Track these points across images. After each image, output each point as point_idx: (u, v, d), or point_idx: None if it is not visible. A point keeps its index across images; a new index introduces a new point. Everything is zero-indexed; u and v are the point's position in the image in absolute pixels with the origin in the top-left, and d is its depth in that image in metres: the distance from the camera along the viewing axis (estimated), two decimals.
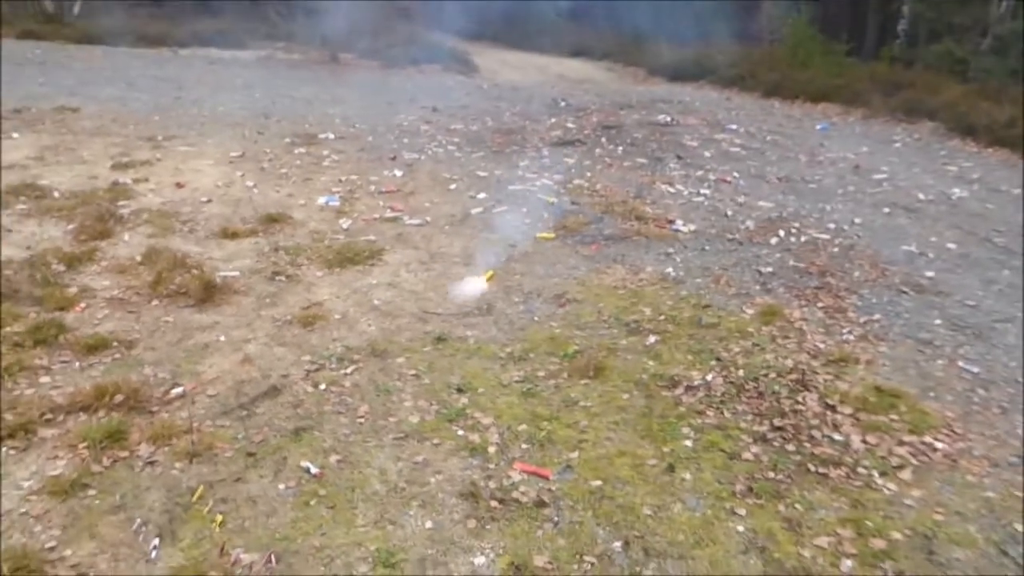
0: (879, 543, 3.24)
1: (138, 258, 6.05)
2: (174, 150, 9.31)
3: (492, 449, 3.84)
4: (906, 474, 3.72)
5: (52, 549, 3.16)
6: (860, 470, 3.74)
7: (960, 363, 4.87)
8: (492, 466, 3.72)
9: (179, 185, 7.94)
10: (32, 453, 3.75)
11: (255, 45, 20.45)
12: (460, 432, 3.98)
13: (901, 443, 3.95)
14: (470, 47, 21.36)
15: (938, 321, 5.48)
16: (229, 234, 6.68)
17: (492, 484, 3.58)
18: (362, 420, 4.08)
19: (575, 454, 3.81)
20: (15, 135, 9.55)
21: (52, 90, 12.49)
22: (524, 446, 3.88)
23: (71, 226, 6.64)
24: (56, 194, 7.43)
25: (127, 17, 21.85)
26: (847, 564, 3.14)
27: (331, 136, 10.44)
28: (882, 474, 3.72)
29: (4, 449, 3.77)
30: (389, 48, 19.50)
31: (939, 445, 3.96)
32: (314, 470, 3.66)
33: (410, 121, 11.68)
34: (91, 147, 9.25)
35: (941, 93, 13.70)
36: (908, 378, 4.66)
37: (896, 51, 17.47)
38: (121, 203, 7.28)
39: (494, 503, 3.45)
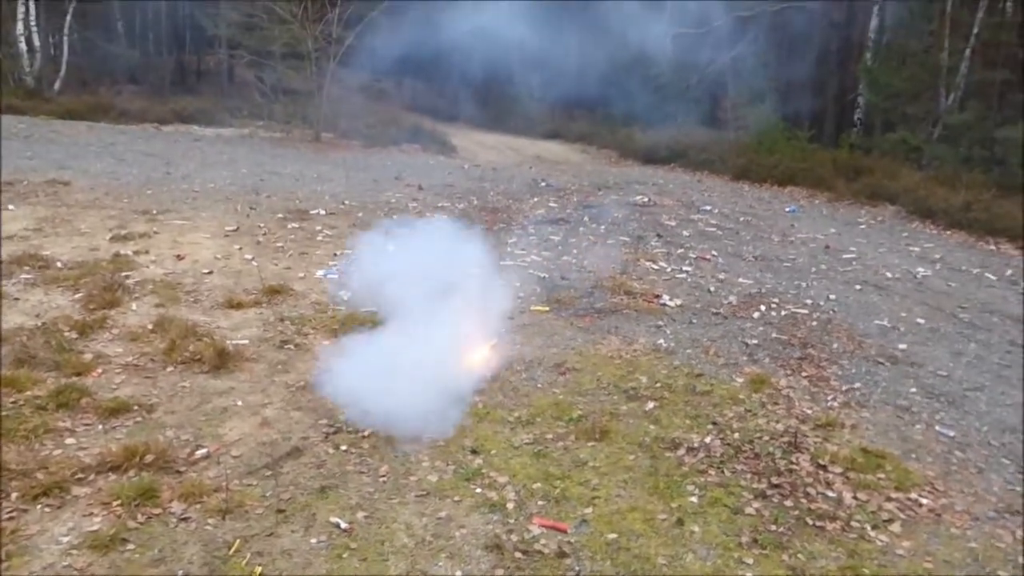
0: None
1: (149, 326, 6.24)
2: (170, 223, 9.54)
3: (510, 505, 4.08)
4: (896, 527, 4.04)
5: None
6: (854, 523, 4.05)
7: (937, 428, 5.25)
8: (512, 521, 3.95)
9: (179, 257, 8.16)
10: (67, 510, 3.90)
11: (236, 123, 20.92)
12: (478, 490, 4.22)
13: (889, 499, 4.28)
14: (447, 128, 22.05)
15: (914, 389, 5.88)
16: (234, 304, 6.90)
17: (514, 537, 3.81)
18: (384, 479, 4.30)
19: (589, 509, 4.07)
20: (11, 207, 9.73)
21: (41, 163, 12.70)
22: (540, 502, 4.13)
23: (78, 295, 6.82)
24: (59, 264, 7.61)
25: (108, 94, 22.28)
26: None
27: (322, 212, 10.76)
28: (874, 527, 4.03)
29: (39, 507, 3.92)
30: (369, 128, 20.08)
31: (924, 501, 4.29)
32: (343, 525, 3.86)
33: (397, 199, 12.07)
34: (87, 219, 9.44)
35: (900, 179, 14.49)
36: (891, 441, 5.01)
37: (854, 138, 18.43)
38: (124, 274, 7.48)
39: (518, 554, 3.67)
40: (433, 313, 5.51)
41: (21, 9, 20.89)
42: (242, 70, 26.68)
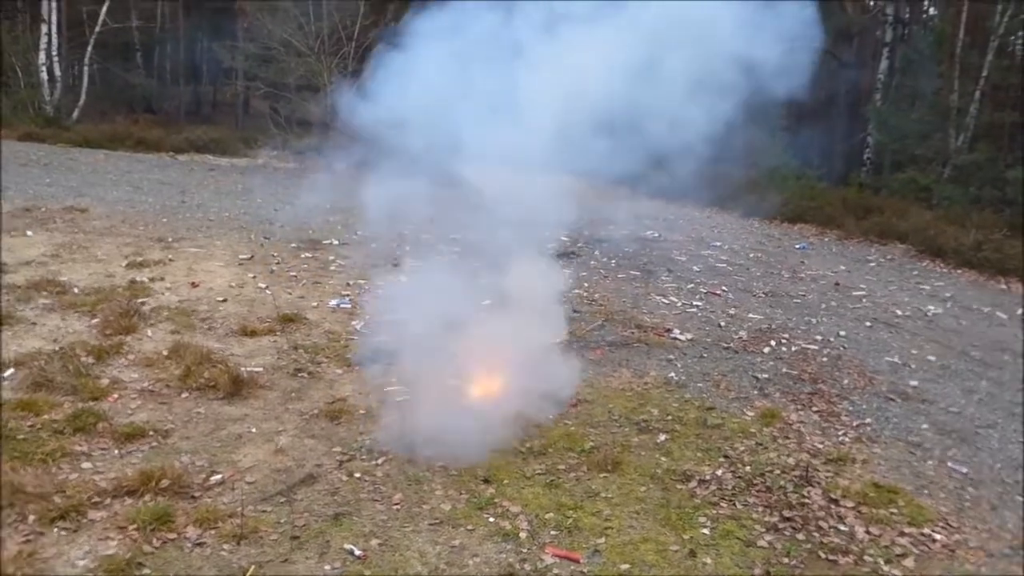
0: None
1: (164, 352, 6.30)
2: (185, 251, 9.63)
3: (523, 535, 4.11)
4: (909, 562, 4.05)
5: None
6: (867, 558, 4.06)
7: (949, 464, 5.27)
8: (525, 550, 3.98)
9: (194, 284, 8.24)
10: (83, 534, 3.94)
11: (251, 153, 21.12)
12: (491, 519, 4.25)
13: (902, 534, 4.30)
14: (457, 161, 22.12)
15: (925, 426, 5.90)
16: (248, 332, 6.96)
17: (527, 566, 3.83)
18: (397, 507, 4.33)
19: (602, 540, 4.09)
20: (29, 233, 9.85)
21: (59, 191, 12.85)
22: (553, 532, 4.15)
23: (94, 321, 6.89)
24: (76, 290, 7.69)
25: (125, 123, 22.55)
26: None
27: (335, 242, 10.85)
28: (887, 562, 4.04)
29: (56, 530, 3.95)
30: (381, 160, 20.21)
31: (937, 536, 4.31)
32: (358, 552, 3.89)
33: (409, 230, 12.14)
34: (104, 246, 9.55)
35: (909, 218, 14.54)
36: (903, 476, 5.03)
37: (863, 178, 18.51)
38: (140, 300, 7.55)
39: None
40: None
41: (44, 40, 21.25)
42: (257, 101, 26.99)
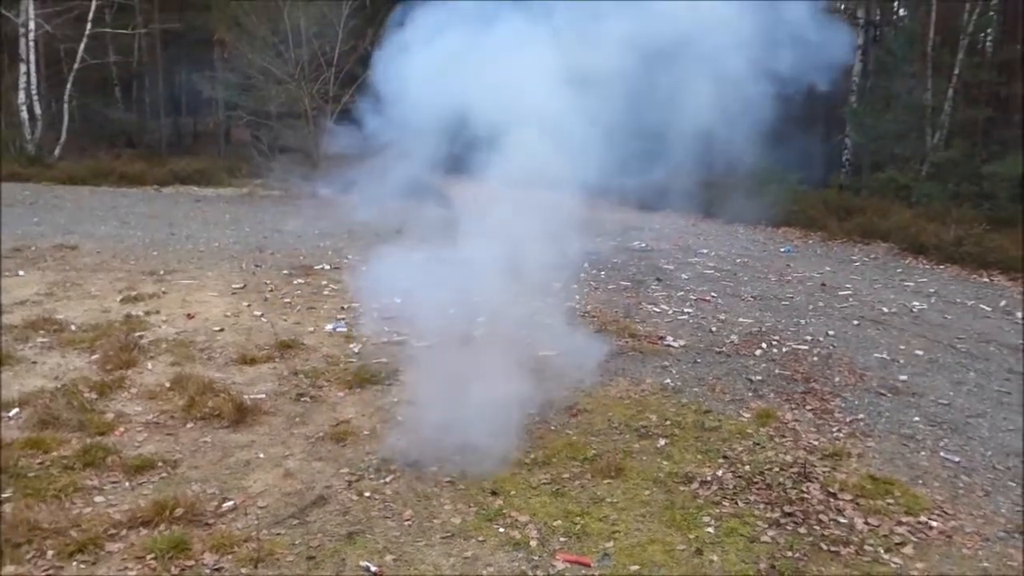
0: None
1: (167, 384, 6.38)
2: (177, 283, 9.70)
3: (534, 543, 4.21)
4: (908, 550, 4.19)
5: None
6: (867, 547, 4.20)
7: (942, 454, 5.43)
8: (536, 558, 4.08)
9: (189, 316, 8.31)
10: (102, 566, 4.01)
11: (235, 183, 21.18)
12: (501, 529, 4.35)
13: (900, 523, 4.45)
14: (442, 180, 22.26)
15: (917, 418, 6.06)
16: (248, 360, 7.03)
17: (540, 573, 3.94)
18: (408, 523, 4.42)
19: (610, 543, 4.20)
20: (21, 272, 9.89)
21: (47, 229, 12.90)
22: (562, 539, 4.26)
23: (94, 356, 6.95)
24: (73, 327, 7.75)
25: (108, 158, 22.57)
26: None
27: (327, 267, 10.94)
28: (887, 550, 4.18)
29: (75, 563, 4.02)
30: (367, 183, 20.29)
31: (934, 524, 4.46)
32: (374, 568, 3.98)
33: (401, 249, 12.23)
34: (96, 282, 9.60)
35: (890, 217, 14.79)
36: (897, 468, 5.18)
37: (843, 179, 18.77)
38: (138, 334, 7.62)
39: None
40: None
41: (23, 79, 21.26)
42: (238, 131, 27.07)
